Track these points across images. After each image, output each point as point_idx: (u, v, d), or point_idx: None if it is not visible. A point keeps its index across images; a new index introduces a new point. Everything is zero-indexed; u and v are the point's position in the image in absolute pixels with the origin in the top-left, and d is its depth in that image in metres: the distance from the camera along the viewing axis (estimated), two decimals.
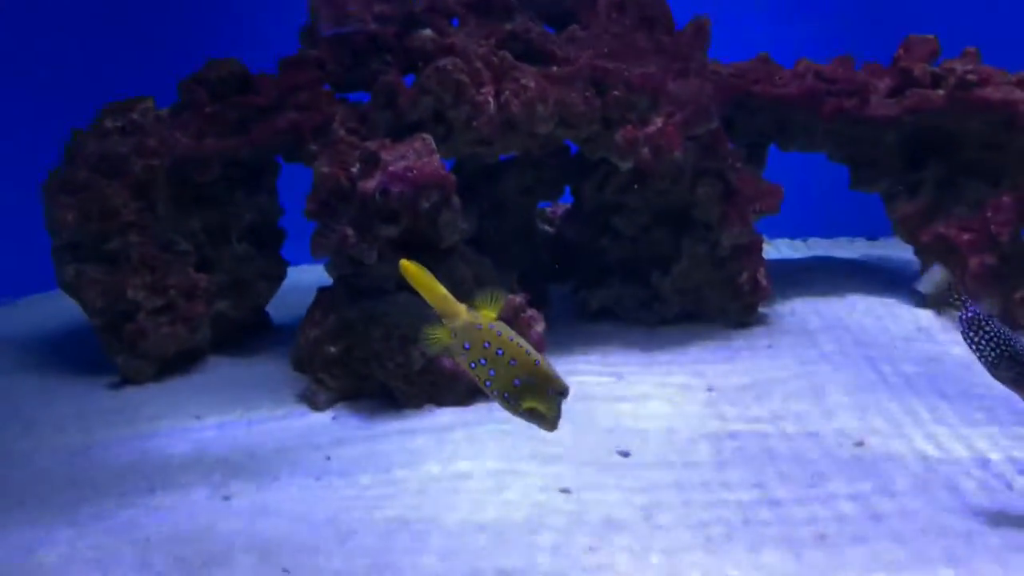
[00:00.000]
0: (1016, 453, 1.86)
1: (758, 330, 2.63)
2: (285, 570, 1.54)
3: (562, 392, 1.29)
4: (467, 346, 1.29)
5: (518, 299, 2.33)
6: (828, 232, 3.85)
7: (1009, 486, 1.73)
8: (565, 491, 1.78)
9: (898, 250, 3.28)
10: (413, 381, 2.22)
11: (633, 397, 2.24)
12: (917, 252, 2.77)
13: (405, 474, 1.88)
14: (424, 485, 1.83)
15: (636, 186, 2.65)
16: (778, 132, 2.88)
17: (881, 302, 2.78)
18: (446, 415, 2.18)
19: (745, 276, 2.62)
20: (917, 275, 2.77)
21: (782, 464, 1.86)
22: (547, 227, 3.16)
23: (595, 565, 1.53)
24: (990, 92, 2.50)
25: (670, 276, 2.67)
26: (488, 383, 1.30)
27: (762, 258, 2.68)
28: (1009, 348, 1.49)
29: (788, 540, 1.58)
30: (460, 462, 1.91)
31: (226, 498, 1.82)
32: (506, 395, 1.29)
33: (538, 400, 1.28)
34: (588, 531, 1.63)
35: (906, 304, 2.76)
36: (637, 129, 2.43)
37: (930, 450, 1.90)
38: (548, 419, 1.30)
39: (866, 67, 2.91)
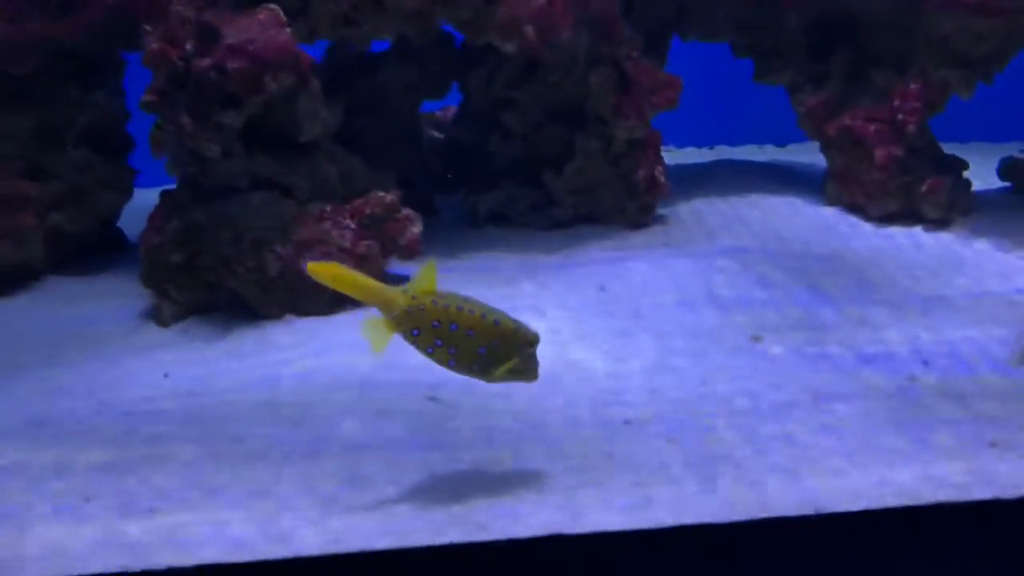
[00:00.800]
0: (919, 342, 1.74)
1: (656, 230, 2.45)
2: None
3: (531, 343, 1.21)
4: (416, 333, 1.17)
5: (389, 197, 2.09)
6: (737, 140, 3.70)
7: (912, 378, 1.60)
8: (433, 399, 1.58)
9: (807, 155, 3.16)
10: (269, 289, 1.96)
11: (524, 307, 2.04)
12: (823, 148, 2.62)
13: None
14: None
15: (527, 78, 2.42)
16: (678, 18, 2.67)
17: (785, 201, 2.63)
18: (308, 326, 1.94)
19: (642, 173, 2.43)
20: (823, 176, 2.64)
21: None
22: (437, 133, 2.90)
23: None
24: None
25: (563, 176, 2.46)
26: (452, 363, 1.20)
27: (660, 155, 2.49)
28: None
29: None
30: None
31: None
32: (475, 367, 1.20)
33: (510, 360, 1.20)
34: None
35: (810, 203, 2.62)
36: (522, 5, 2.18)
37: (832, 348, 1.76)
38: (527, 372, 1.23)
39: None
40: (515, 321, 1.21)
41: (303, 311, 1.98)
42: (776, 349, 1.73)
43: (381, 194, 2.09)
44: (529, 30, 2.18)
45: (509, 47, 2.22)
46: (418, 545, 1.08)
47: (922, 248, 2.30)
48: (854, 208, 2.52)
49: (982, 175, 2.70)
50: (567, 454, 1.35)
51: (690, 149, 3.64)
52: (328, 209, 2.04)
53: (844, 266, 2.17)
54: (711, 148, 3.67)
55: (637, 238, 2.41)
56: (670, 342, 1.79)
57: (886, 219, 2.44)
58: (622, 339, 1.81)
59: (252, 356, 1.82)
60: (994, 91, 2.67)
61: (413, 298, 1.17)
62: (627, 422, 1.46)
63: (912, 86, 2.38)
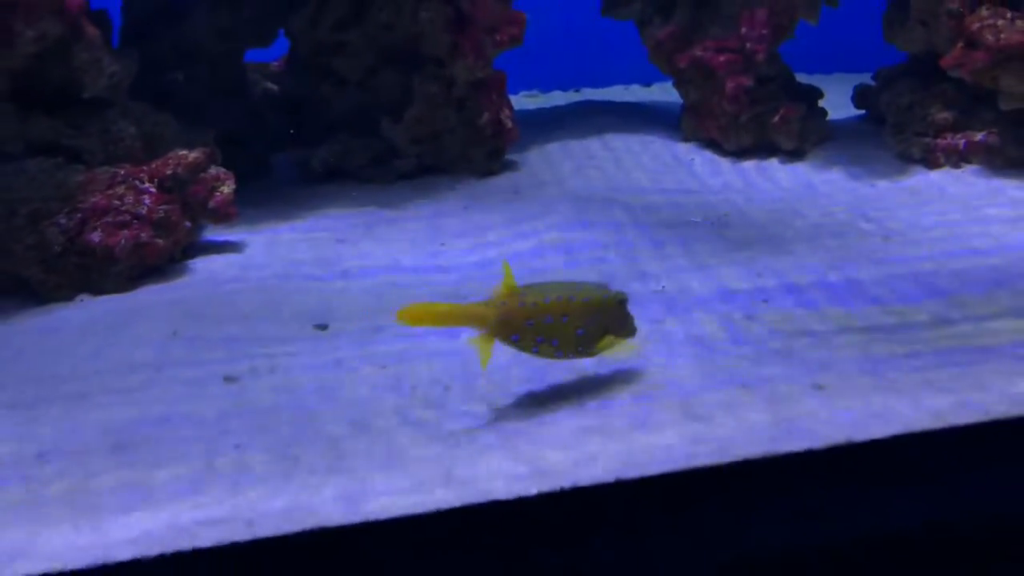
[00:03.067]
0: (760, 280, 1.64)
1: (505, 177, 2.30)
2: None
3: (621, 302, 1.21)
4: (515, 338, 1.17)
5: (192, 155, 1.86)
6: (603, 82, 3.57)
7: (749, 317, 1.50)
8: (230, 379, 1.40)
9: (672, 94, 3.05)
10: (54, 267, 1.72)
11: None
12: (676, 82, 2.51)
13: None
14: None
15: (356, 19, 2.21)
16: None
17: (641, 140, 2.52)
18: (104, 305, 1.71)
19: (487, 117, 2.27)
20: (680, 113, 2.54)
21: None
22: (272, 85, 2.65)
23: None
24: None
25: (403, 123, 2.27)
26: (559, 354, 1.20)
27: (506, 98, 2.33)
28: None
29: None
30: None
31: None
32: (580, 349, 1.20)
33: (608, 330, 1.20)
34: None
35: (667, 141, 2.51)
36: None
37: (693, 284, 1.64)
38: (627, 332, 1.23)
39: None
40: (598, 289, 1.21)
41: (98, 289, 1.75)
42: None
43: (184, 152, 1.86)
44: None
45: None
46: None
47: (774, 180, 2.23)
48: (710, 143, 2.43)
49: (844, 105, 2.66)
50: None
51: (556, 92, 3.50)
52: (122, 172, 1.81)
53: (693, 204, 2.07)
54: (577, 91, 3.53)
55: (485, 187, 2.25)
56: None
57: (741, 153, 2.36)
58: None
59: None
60: (856, 22, 2.62)
61: (500, 306, 1.16)
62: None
63: (759, 11, 2.28)
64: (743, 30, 2.29)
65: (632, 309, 1.24)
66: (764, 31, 2.28)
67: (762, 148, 2.35)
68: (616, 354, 1.22)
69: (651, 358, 1.31)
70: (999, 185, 2.02)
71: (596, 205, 2.05)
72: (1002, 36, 1.97)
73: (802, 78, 2.77)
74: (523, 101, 3.29)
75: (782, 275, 1.65)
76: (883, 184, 2.11)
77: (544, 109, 3.02)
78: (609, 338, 1.20)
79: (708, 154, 2.40)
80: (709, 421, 1.13)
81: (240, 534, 0.92)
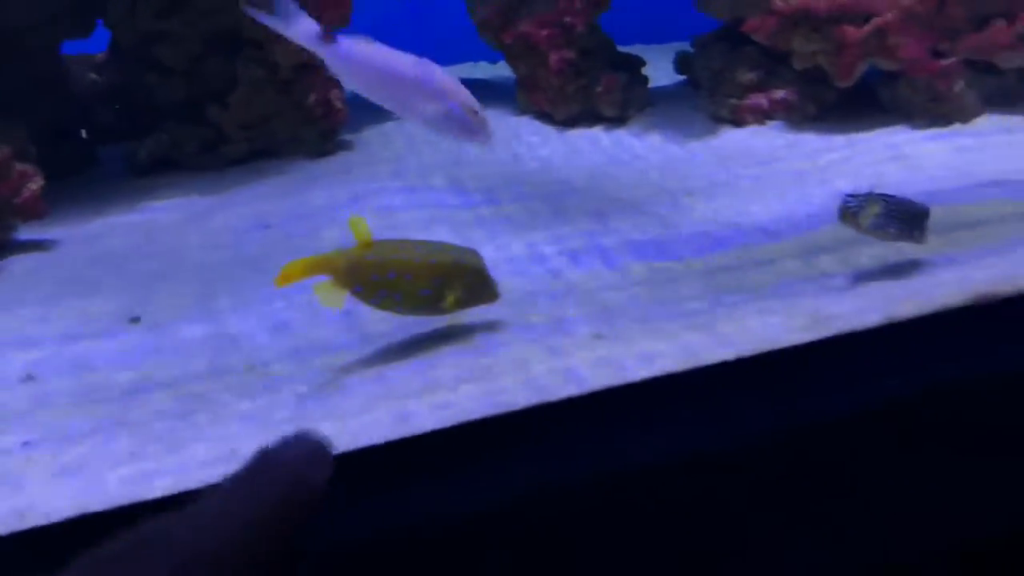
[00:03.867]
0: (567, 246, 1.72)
1: (340, 157, 2.32)
2: None
3: (476, 269, 1.26)
4: (358, 289, 1.21)
5: None
6: (451, 59, 3.60)
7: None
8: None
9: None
10: None
11: None
12: (506, 58, 2.57)
13: None
14: None
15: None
16: None
17: None
18: None
19: (314, 98, 2.27)
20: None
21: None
22: (95, 76, 2.58)
23: None
24: None
25: (229, 109, 2.26)
26: (399, 308, 1.24)
27: (333, 79, 2.33)
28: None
29: None
30: None
31: None
32: (422, 308, 1.24)
33: (458, 287, 1.24)
34: None
35: (504, 114, 2.58)
36: None
37: (512, 248, 1.71)
38: (483, 295, 1.28)
39: None
40: (454, 253, 1.25)
41: None
42: None
43: None
44: None
45: None
46: None
47: (599, 146, 2.32)
48: (542, 114, 2.51)
49: (671, 72, 2.78)
50: None
51: None
52: None
53: (521, 173, 2.14)
54: None
55: (317, 168, 2.26)
56: None
57: (570, 122, 2.44)
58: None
59: None
60: None
61: (349, 256, 1.20)
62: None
63: None
64: (561, 4, 2.37)
65: None
66: (582, 4, 2.36)
67: (588, 116, 2.44)
68: (469, 308, 1.27)
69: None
70: (796, 139, 2.17)
71: (427, 180, 2.10)
72: (790, 1, 2.11)
73: (637, 49, 2.88)
74: None
75: (594, 236, 1.73)
76: (695, 144, 2.23)
77: None
78: (453, 299, 1.24)
79: (540, 125, 2.48)
80: (493, 379, 1.19)
81: None
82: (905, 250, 1.45)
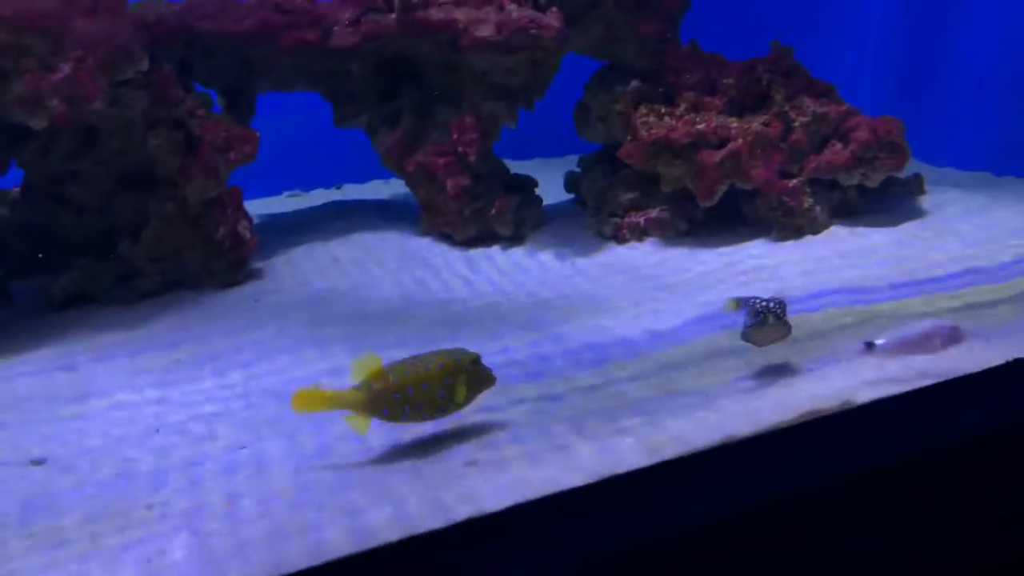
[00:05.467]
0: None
1: (249, 286, 2.44)
2: None
3: (474, 361, 1.45)
4: (385, 412, 1.39)
5: None
6: (364, 177, 3.79)
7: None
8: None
9: None
10: None
11: (95, 393, 1.92)
12: (407, 183, 2.76)
13: None
14: None
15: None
16: (246, 72, 2.68)
17: (383, 236, 2.74)
18: None
19: (223, 232, 2.40)
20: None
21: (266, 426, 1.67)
22: (9, 212, 2.66)
23: None
24: (432, 13, 2.50)
25: (141, 244, 2.37)
26: (426, 417, 1.42)
27: (243, 211, 2.48)
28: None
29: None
30: None
31: None
32: (443, 408, 1.42)
33: (465, 386, 1.42)
34: None
35: (408, 236, 2.75)
36: (41, 78, 2.06)
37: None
38: (484, 382, 1.47)
39: None
40: (452, 354, 1.44)
41: None
42: None
43: None
44: (55, 103, 2.07)
45: (38, 122, 2.09)
46: None
47: (496, 265, 2.50)
48: (443, 236, 2.68)
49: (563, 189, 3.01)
50: None
51: (317, 191, 3.67)
52: None
53: (422, 295, 2.30)
54: (339, 187, 3.72)
55: (227, 298, 2.37)
56: (240, 402, 1.77)
57: (469, 242, 2.62)
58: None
59: None
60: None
61: (369, 389, 1.38)
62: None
63: (467, 119, 2.58)
64: (455, 136, 2.58)
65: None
66: (474, 136, 2.58)
67: (486, 237, 2.63)
68: (478, 395, 1.46)
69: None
70: (669, 254, 2.39)
71: (328, 308, 2.23)
72: (652, 131, 2.36)
73: (537, 163, 3.11)
74: (285, 202, 3.45)
75: (485, 354, 1.88)
76: (581, 262, 2.43)
77: (300, 211, 3.19)
78: (462, 392, 1.43)
79: (442, 246, 2.65)
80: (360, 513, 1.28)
81: None
82: (756, 362, 1.64)
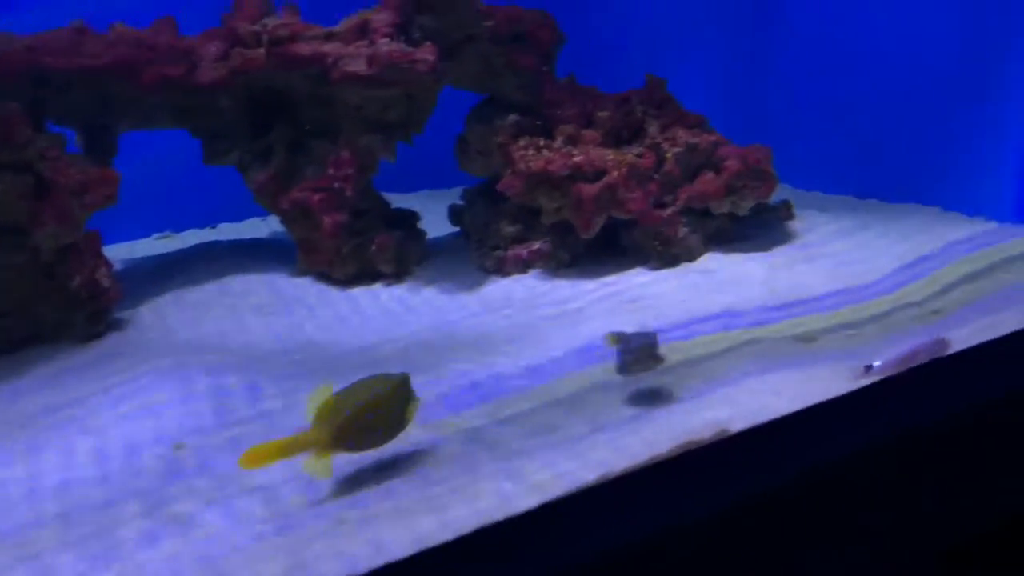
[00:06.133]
0: None
1: (112, 338, 2.28)
2: None
3: (406, 379, 1.45)
4: (351, 445, 1.37)
5: None
6: (240, 216, 3.65)
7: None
8: None
9: None
10: None
11: None
12: (283, 221, 2.67)
13: None
14: None
15: None
16: (106, 109, 2.53)
17: (258, 278, 2.63)
18: None
19: (79, 281, 2.24)
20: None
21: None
22: None
23: None
24: (301, 47, 2.44)
25: None
26: (388, 440, 1.42)
27: (101, 258, 2.32)
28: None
29: None
30: None
31: None
32: (396, 428, 1.42)
33: (413, 404, 1.45)
34: None
35: (285, 276, 2.65)
36: None
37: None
38: (415, 399, 1.46)
39: (207, 32, 2.69)
40: (389, 377, 1.43)
41: None
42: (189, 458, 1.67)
43: None
44: None
45: None
46: None
47: (379, 303, 2.43)
48: (322, 275, 2.60)
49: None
50: None
51: (190, 231, 3.51)
52: None
53: (299, 339, 2.20)
54: (213, 227, 3.57)
55: (87, 353, 2.20)
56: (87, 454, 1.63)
57: (349, 281, 2.55)
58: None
59: None
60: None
61: (329, 425, 1.33)
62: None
63: (343, 154, 2.52)
64: (330, 171, 2.51)
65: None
66: (351, 171, 2.51)
67: (367, 275, 2.55)
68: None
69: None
70: (552, 286, 2.39)
71: (198, 359, 2.10)
72: (531, 164, 2.36)
73: (425, 195, 3.04)
74: (154, 244, 3.27)
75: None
76: (465, 297, 2.40)
77: (170, 254, 3.03)
78: (414, 409, 1.44)
79: (321, 286, 2.56)
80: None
81: None
82: (634, 394, 1.63)
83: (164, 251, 3.10)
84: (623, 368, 1.62)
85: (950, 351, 1.64)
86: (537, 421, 1.62)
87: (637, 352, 1.60)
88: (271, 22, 2.51)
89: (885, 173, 2.99)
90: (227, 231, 3.49)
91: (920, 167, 2.87)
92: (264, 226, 3.54)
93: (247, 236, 3.30)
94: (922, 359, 1.61)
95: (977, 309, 2.00)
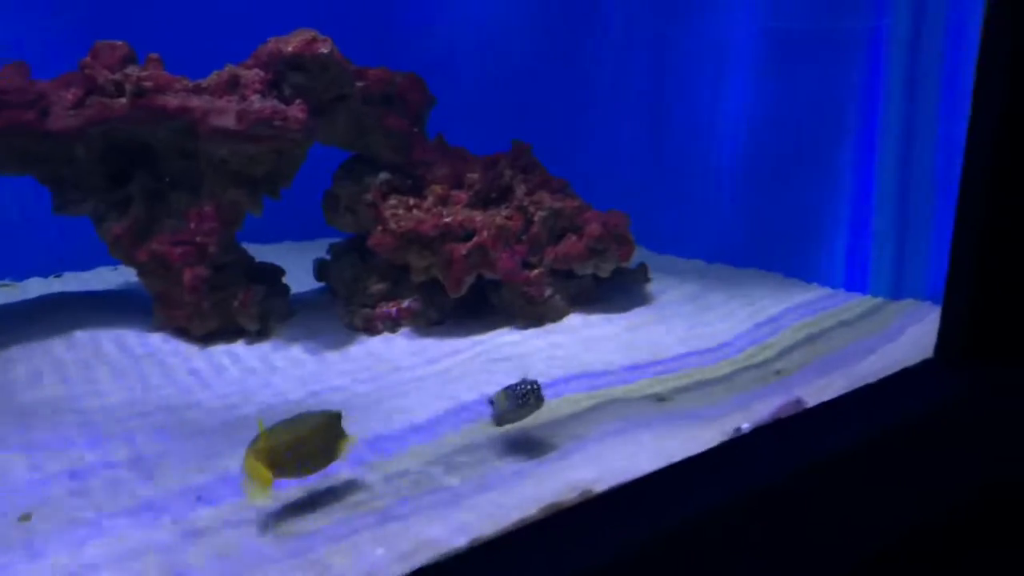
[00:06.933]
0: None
1: None
2: None
3: (339, 416, 1.55)
4: (284, 472, 1.45)
5: None
6: (88, 264, 3.46)
7: None
8: None
9: None
10: None
11: None
12: (139, 274, 2.55)
13: None
14: None
15: None
16: None
17: (109, 334, 2.49)
18: None
19: None
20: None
21: None
22: None
23: None
24: (168, 99, 2.38)
25: None
26: (317, 470, 1.51)
27: None
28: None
29: None
30: None
31: None
32: (323, 460, 1.51)
33: (341, 435, 1.54)
34: None
35: (140, 332, 2.52)
36: None
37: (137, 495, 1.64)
38: (346, 437, 1.56)
39: (62, 78, 2.57)
40: (323, 415, 1.52)
41: None
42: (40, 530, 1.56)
43: None
44: None
45: None
46: None
47: (240, 362, 2.36)
48: (180, 331, 2.50)
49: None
50: None
51: (33, 280, 3.29)
52: None
53: (154, 400, 2.11)
54: (58, 276, 3.36)
55: None
56: None
57: (209, 338, 2.46)
58: None
59: None
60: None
61: (266, 453, 1.42)
62: None
63: (207, 207, 2.46)
64: (192, 224, 2.44)
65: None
66: (214, 224, 2.45)
67: (229, 331, 2.48)
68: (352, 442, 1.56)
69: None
70: (422, 344, 2.40)
71: (43, 423, 1.97)
72: (401, 223, 2.39)
73: (287, 247, 2.97)
74: None
75: (229, 469, 1.75)
76: (332, 356, 2.37)
77: (11, 305, 2.83)
78: (341, 443, 1.54)
79: (178, 342, 2.46)
80: None
81: None
82: (503, 453, 1.67)
83: (5, 302, 2.89)
84: (499, 419, 1.71)
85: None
86: (410, 482, 1.62)
87: (520, 398, 1.69)
88: (134, 71, 2.44)
89: (732, 240, 3.23)
90: (73, 281, 3.30)
91: (764, 236, 3.12)
92: (114, 276, 3.38)
93: (95, 287, 3.14)
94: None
95: (815, 369, 2.18)
